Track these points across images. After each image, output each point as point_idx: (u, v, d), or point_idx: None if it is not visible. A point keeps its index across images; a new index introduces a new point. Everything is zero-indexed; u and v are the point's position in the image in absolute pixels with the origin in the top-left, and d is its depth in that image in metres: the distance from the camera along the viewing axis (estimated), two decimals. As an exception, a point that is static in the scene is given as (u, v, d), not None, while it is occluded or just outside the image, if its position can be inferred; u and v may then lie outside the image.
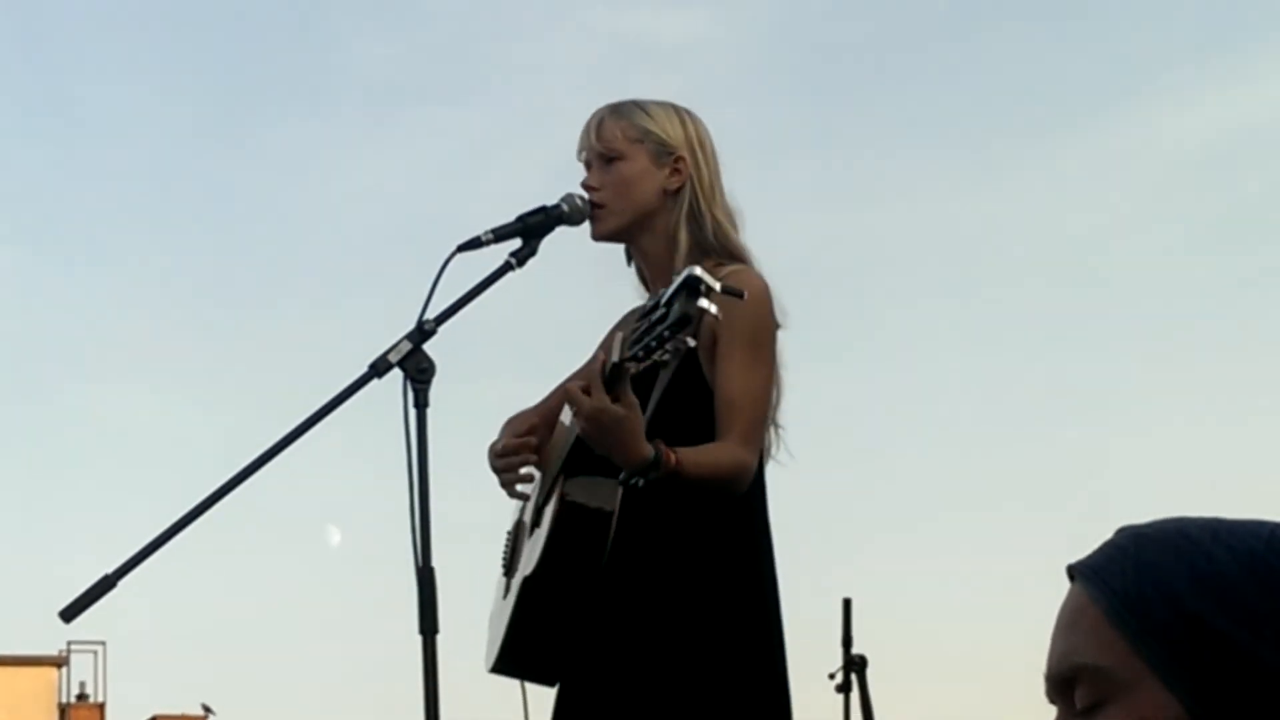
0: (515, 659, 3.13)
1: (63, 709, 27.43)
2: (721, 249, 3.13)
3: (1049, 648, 1.26)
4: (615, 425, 2.78)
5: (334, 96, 31.48)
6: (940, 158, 27.19)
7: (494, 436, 3.33)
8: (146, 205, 32.72)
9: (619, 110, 3.21)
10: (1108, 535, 1.28)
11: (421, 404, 2.88)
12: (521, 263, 3.05)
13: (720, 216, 3.16)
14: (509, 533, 3.33)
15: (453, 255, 2.98)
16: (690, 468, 2.88)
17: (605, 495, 2.97)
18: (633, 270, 3.30)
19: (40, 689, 27.20)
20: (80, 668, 27.93)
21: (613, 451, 2.83)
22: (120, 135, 31.25)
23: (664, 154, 3.17)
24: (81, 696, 27.61)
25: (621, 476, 2.87)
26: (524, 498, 3.26)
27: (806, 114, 27.34)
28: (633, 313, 3.34)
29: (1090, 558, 1.27)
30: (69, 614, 2.80)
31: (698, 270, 2.51)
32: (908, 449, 25.50)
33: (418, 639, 2.80)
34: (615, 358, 2.71)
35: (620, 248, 3.29)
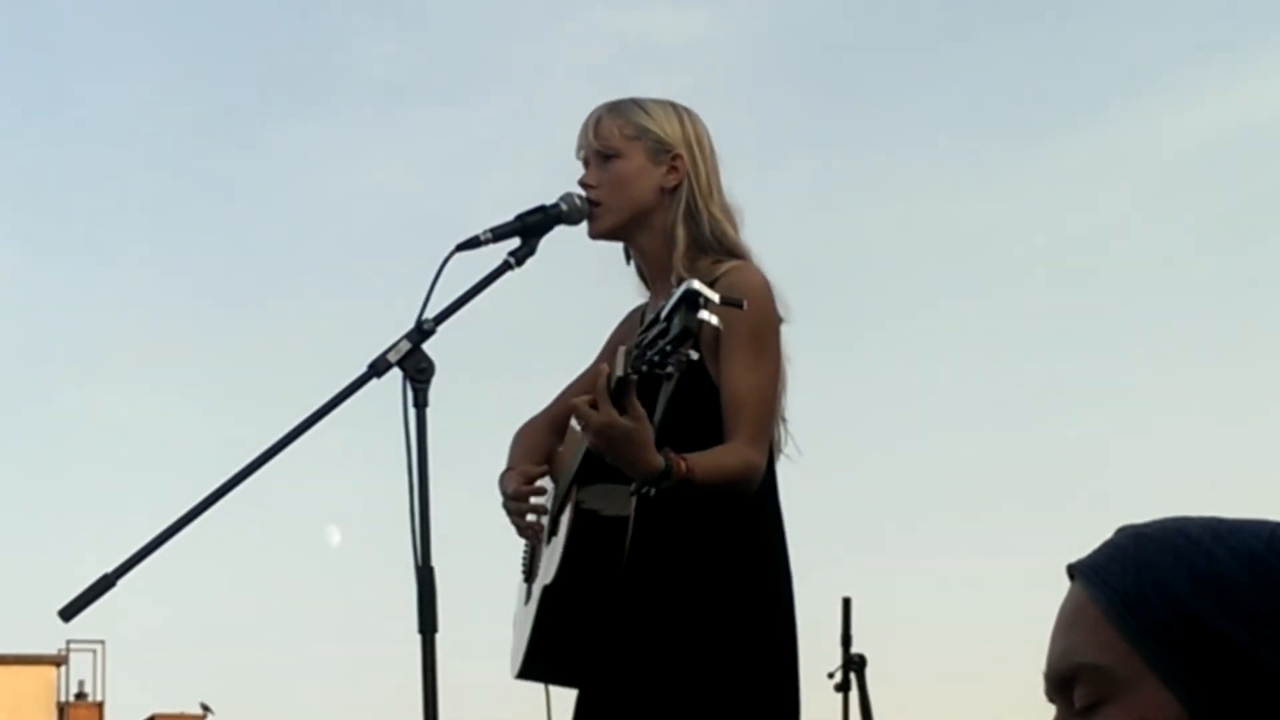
0: (539, 665, 3.15)
1: (62, 708, 27.43)
2: (719, 246, 3.13)
3: (1048, 647, 1.26)
4: (623, 438, 2.78)
5: (334, 96, 31.49)
6: (940, 158, 27.19)
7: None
8: (146, 205, 32.73)
9: (617, 108, 3.21)
10: (1107, 535, 1.28)
11: (421, 403, 2.88)
12: (520, 262, 3.05)
13: (717, 214, 3.16)
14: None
15: (452, 254, 2.98)
16: (701, 473, 2.88)
17: (619, 502, 2.98)
18: (632, 269, 3.30)
19: (39, 688, 27.20)
20: (79, 667, 27.98)
21: (622, 464, 2.83)
22: (120, 135, 31.26)
23: (661, 151, 3.17)
24: (80, 695, 27.61)
25: (633, 487, 2.88)
26: (536, 540, 3.26)
27: (806, 114, 27.35)
28: (635, 312, 3.34)
29: (1090, 557, 1.27)
30: (68, 613, 2.80)
31: (696, 284, 2.51)
32: (908, 449, 25.53)
33: (417, 638, 2.80)
34: (619, 371, 2.72)
35: (619, 246, 3.29)
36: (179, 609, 30.31)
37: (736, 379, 3.02)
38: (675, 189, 3.16)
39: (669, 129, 3.18)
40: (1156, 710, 1.19)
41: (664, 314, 2.55)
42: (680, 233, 3.14)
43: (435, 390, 2.89)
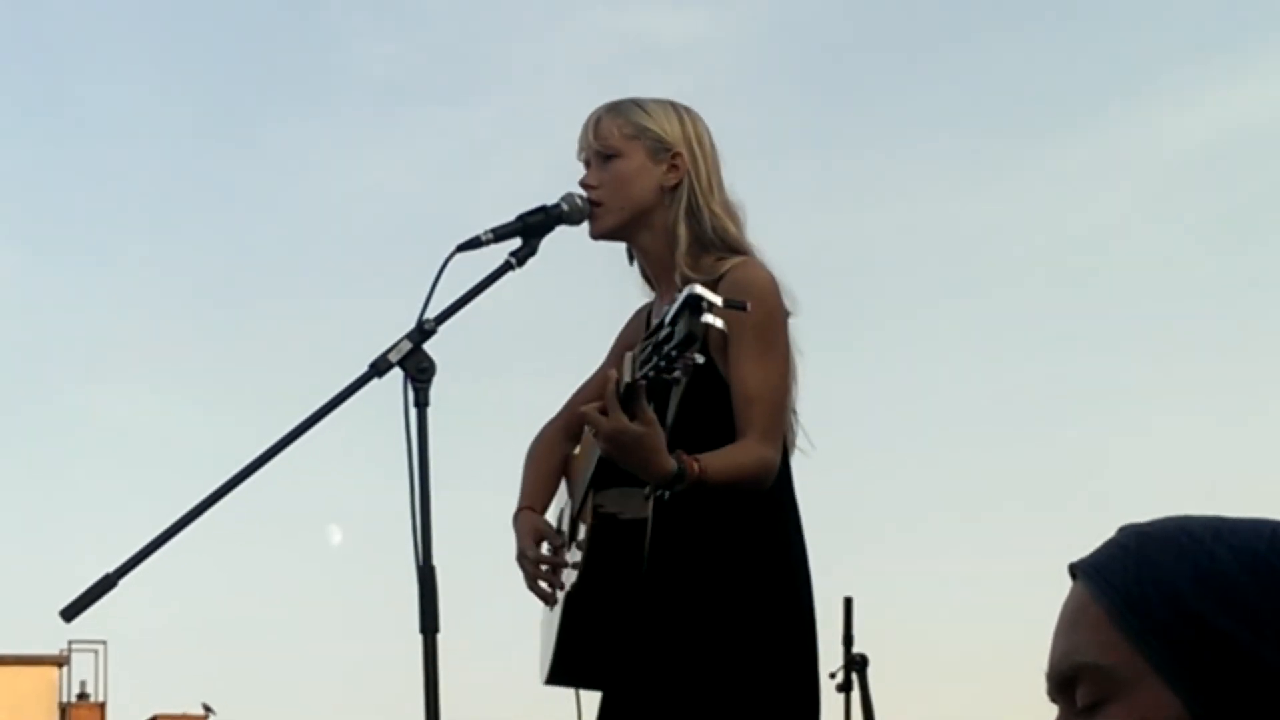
0: (567, 670, 3.16)
1: (63, 708, 27.43)
2: (722, 243, 3.13)
3: (1050, 646, 1.26)
4: (635, 444, 2.79)
5: (334, 96, 31.48)
6: (940, 158, 27.18)
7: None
8: (146, 205, 32.72)
9: (616, 108, 3.22)
10: (1108, 535, 1.28)
11: (422, 403, 2.88)
12: (521, 262, 3.05)
13: (719, 211, 3.16)
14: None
15: (453, 255, 2.98)
16: (714, 473, 2.88)
17: (637, 504, 2.99)
18: (635, 269, 3.30)
19: (41, 688, 27.20)
20: (81, 667, 27.97)
21: (635, 469, 2.84)
22: (120, 135, 31.26)
23: (661, 150, 3.17)
24: (82, 696, 27.61)
25: (647, 491, 2.89)
26: (545, 599, 3.23)
27: (806, 114, 27.34)
28: (642, 311, 3.34)
29: (1092, 556, 1.27)
30: (70, 613, 2.80)
31: (698, 288, 2.51)
32: (908, 449, 25.52)
33: (419, 638, 2.80)
34: (627, 377, 2.72)
35: (622, 247, 3.29)
36: (181, 609, 30.33)
37: (746, 375, 3.02)
38: (676, 187, 3.16)
39: (668, 128, 3.18)
40: (1158, 710, 1.19)
41: (668, 319, 2.55)
42: (682, 231, 3.14)
43: (436, 390, 2.90)
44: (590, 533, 3.03)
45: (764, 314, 2.99)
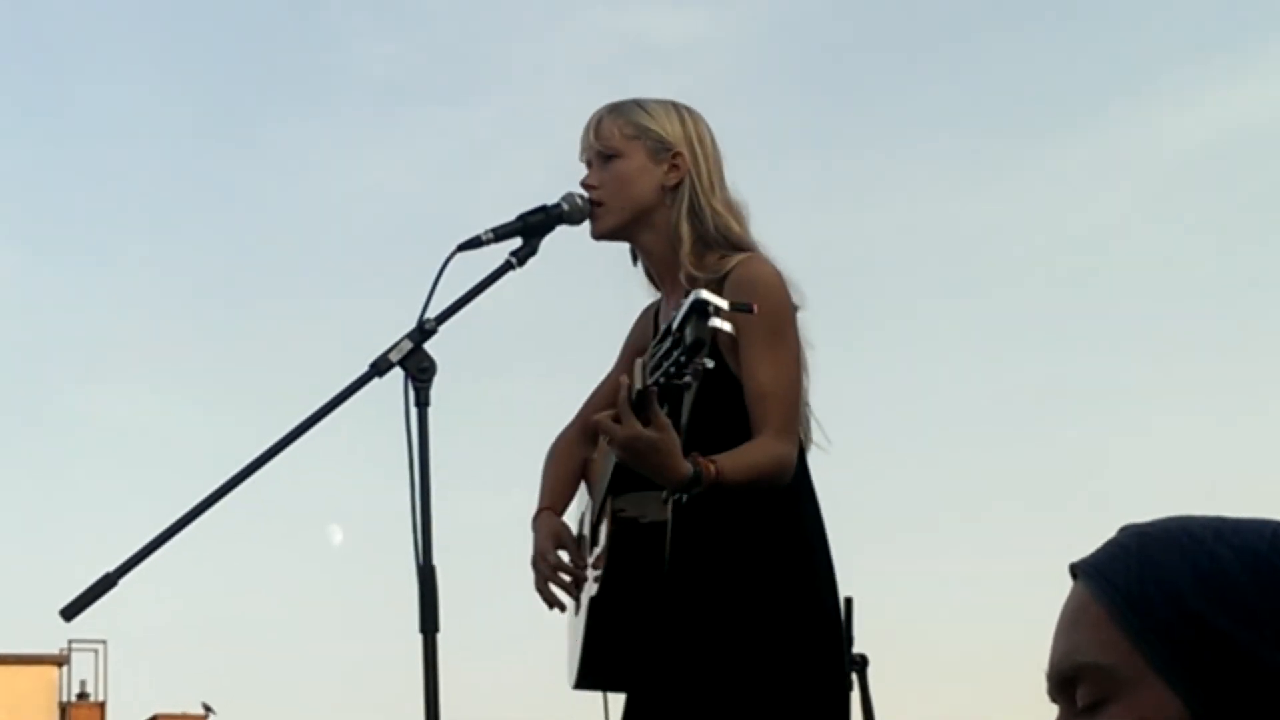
0: (595, 675, 3.16)
1: (63, 708, 27.43)
2: (725, 241, 3.13)
3: (1051, 646, 1.26)
4: (650, 450, 2.78)
5: (334, 96, 31.49)
6: (940, 158, 27.20)
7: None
8: (146, 205, 32.73)
9: (617, 109, 3.22)
10: (1108, 535, 1.28)
11: (422, 403, 2.88)
12: (522, 262, 3.05)
13: (721, 209, 3.16)
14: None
15: (453, 254, 2.98)
16: (731, 474, 2.88)
17: (656, 507, 2.98)
18: (639, 270, 3.30)
19: (41, 687, 27.20)
20: (81, 666, 27.97)
21: (651, 474, 2.83)
22: (120, 135, 31.26)
23: (661, 150, 3.17)
24: (82, 695, 27.61)
25: (664, 495, 2.89)
26: (550, 607, 3.24)
27: (806, 114, 27.36)
28: (649, 310, 3.34)
29: (1093, 556, 1.27)
30: (70, 612, 2.80)
31: (704, 293, 2.51)
32: (908, 449, 25.53)
33: (419, 637, 2.80)
34: (639, 385, 2.72)
35: (625, 248, 3.29)
36: (181, 608, 30.35)
37: (758, 372, 3.01)
38: (677, 187, 3.16)
39: (669, 128, 3.18)
40: (1158, 710, 1.19)
41: (675, 325, 2.54)
42: (685, 230, 3.13)
43: (437, 390, 2.90)
44: (610, 537, 3.03)
45: (771, 310, 2.98)
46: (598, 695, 3.20)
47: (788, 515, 3.07)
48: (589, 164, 3.21)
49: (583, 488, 3.35)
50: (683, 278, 3.10)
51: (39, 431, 32.97)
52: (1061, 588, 1.28)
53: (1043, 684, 1.27)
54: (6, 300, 31.78)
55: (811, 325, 3.14)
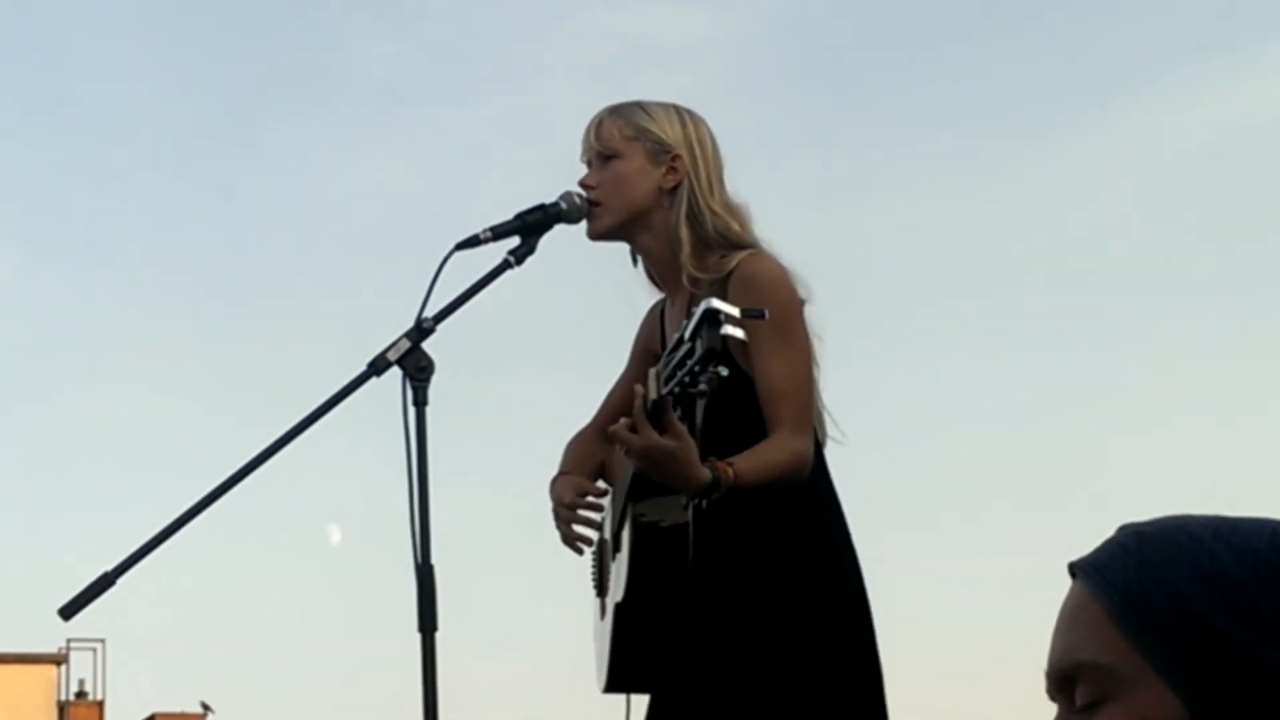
0: (623, 679, 3.16)
1: (62, 706, 27.43)
2: (724, 241, 3.12)
3: (1050, 645, 1.26)
4: (667, 458, 2.78)
5: (334, 96, 31.49)
6: (940, 158, 27.22)
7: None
8: (146, 205, 32.73)
9: (619, 110, 3.22)
10: (1108, 535, 1.28)
11: (420, 402, 2.88)
12: (520, 261, 3.05)
13: (720, 211, 3.15)
14: (593, 551, 3.35)
15: (451, 253, 2.98)
16: (749, 475, 2.88)
17: (676, 511, 2.99)
18: (640, 271, 3.29)
19: (39, 686, 27.19)
20: (79, 665, 27.98)
21: (670, 481, 2.84)
22: (120, 135, 31.26)
23: (661, 153, 3.17)
24: (81, 694, 27.61)
25: (684, 502, 2.89)
26: (578, 552, 3.27)
27: (806, 114, 27.37)
28: (655, 309, 3.34)
29: (1092, 555, 1.27)
30: (68, 611, 2.80)
31: (715, 301, 2.51)
32: (907, 449, 25.52)
33: (417, 637, 2.80)
34: (653, 394, 2.72)
35: (625, 248, 3.29)
36: (179, 608, 30.37)
37: (769, 370, 3.01)
38: (675, 190, 3.16)
39: (669, 130, 3.18)
40: (1157, 709, 1.19)
41: (686, 335, 2.55)
42: (684, 233, 3.13)
43: (435, 389, 2.90)
44: (633, 543, 3.03)
45: (778, 306, 2.97)
46: (602, 697, 3.20)
47: (808, 510, 3.07)
48: (589, 164, 3.21)
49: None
50: (686, 280, 3.10)
51: (39, 431, 33.00)
52: (1061, 587, 1.28)
53: (1042, 683, 1.27)
54: (6, 300, 31.81)
55: (818, 319, 3.14)
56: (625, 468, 3.07)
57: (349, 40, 30.06)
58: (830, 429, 3.15)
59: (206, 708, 27.01)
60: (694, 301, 2.84)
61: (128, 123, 31.52)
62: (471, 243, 3.01)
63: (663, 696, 3.14)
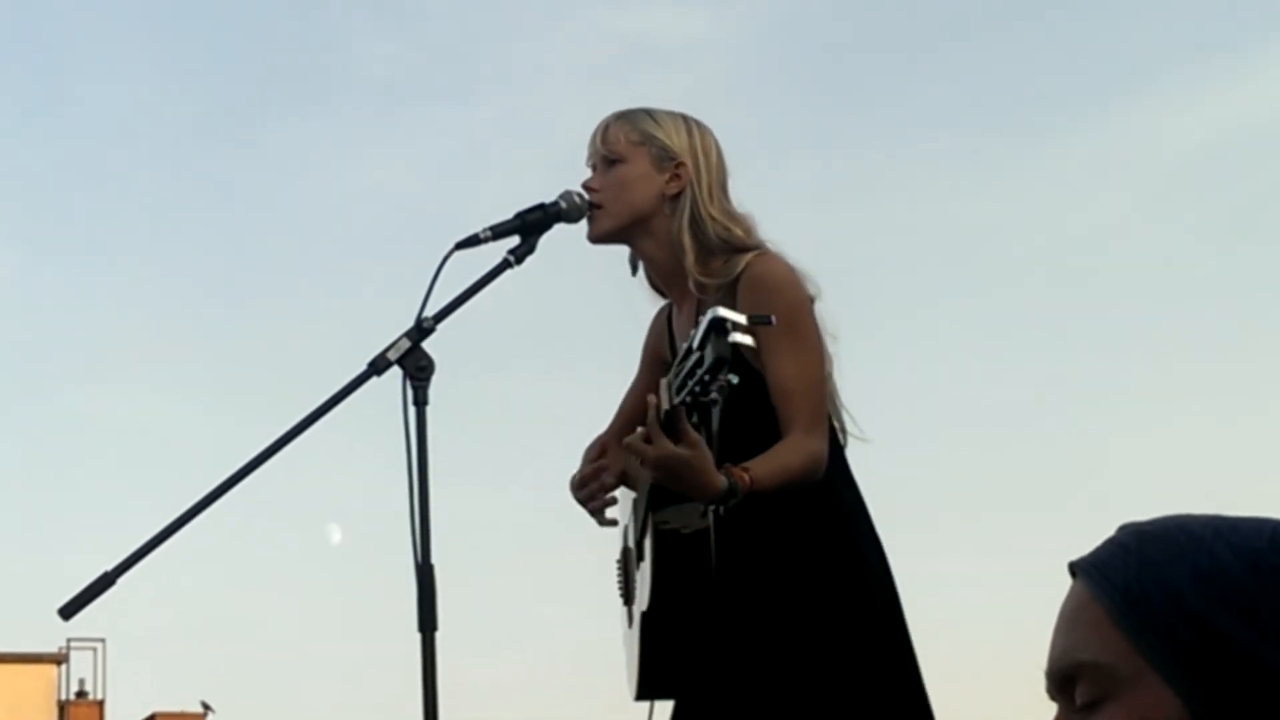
0: (654, 685, 3.16)
1: (62, 706, 27.43)
2: (727, 246, 3.12)
3: (1050, 644, 1.26)
4: (683, 467, 2.78)
5: (334, 96, 31.48)
6: (940, 158, 27.22)
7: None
8: (146, 205, 32.72)
9: (626, 115, 3.22)
10: (1108, 535, 1.28)
11: (421, 401, 2.88)
12: (520, 260, 3.05)
13: (721, 218, 3.15)
14: (618, 561, 3.36)
15: (451, 253, 2.98)
16: (765, 479, 2.87)
17: (696, 517, 2.98)
18: (640, 280, 3.29)
19: (40, 686, 27.20)
20: (80, 665, 28.00)
21: (687, 491, 2.83)
22: (120, 135, 31.26)
23: (665, 159, 3.17)
24: (81, 694, 27.61)
25: (702, 509, 2.89)
26: (612, 523, 3.28)
27: (806, 114, 27.38)
28: (661, 314, 3.34)
29: (1092, 555, 1.27)
30: (68, 611, 2.80)
31: (721, 310, 2.50)
32: (907, 449, 25.52)
33: (417, 636, 2.80)
34: (666, 404, 2.72)
35: (626, 250, 3.28)
36: (180, 607, 30.38)
37: (781, 370, 3.01)
38: (678, 197, 3.16)
39: (675, 138, 3.18)
40: (1157, 708, 1.19)
41: (695, 344, 2.54)
42: (686, 240, 3.13)
43: (435, 388, 2.89)
44: (655, 551, 3.03)
45: (788, 306, 2.98)
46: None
47: (828, 508, 3.07)
48: (594, 168, 3.22)
49: (625, 504, 3.34)
50: (692, 286, 3.10)
51: (39, 431, 33.01)
52: (1061, 587, 1.28)
53: (1042, 683, 1.27)
54: (6, 300, 31.81)
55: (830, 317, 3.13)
56: (644, 477, 3.07)
57: (349, 40, 30.08)
58: (850, 426, 3.15)
59: (207, 707, 27.03)
60: (702, 308, 2.83)
61: (128, 123, 31.55)
62: (471, 242, 3.01)
63: (690, 701, 3.14)
